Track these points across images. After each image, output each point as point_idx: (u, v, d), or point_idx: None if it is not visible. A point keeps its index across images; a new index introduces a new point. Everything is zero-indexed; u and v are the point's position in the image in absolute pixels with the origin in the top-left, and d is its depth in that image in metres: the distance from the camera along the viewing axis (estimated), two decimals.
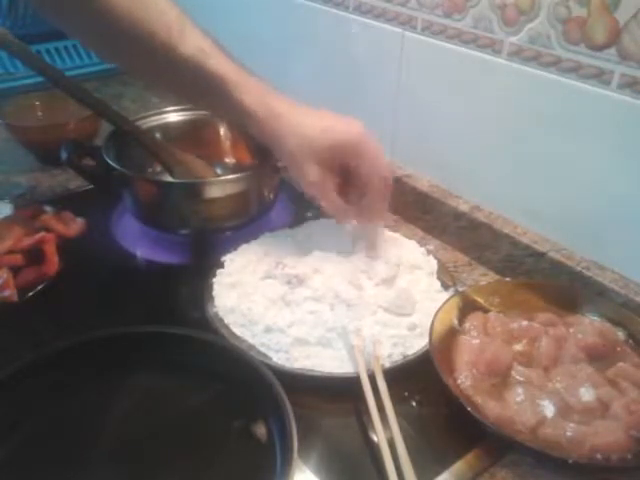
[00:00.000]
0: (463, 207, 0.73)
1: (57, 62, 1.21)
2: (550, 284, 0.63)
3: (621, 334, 0.57)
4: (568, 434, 0.47)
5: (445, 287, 0.65)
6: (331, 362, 0.55)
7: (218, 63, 0.60)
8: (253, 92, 0.60)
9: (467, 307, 0.60)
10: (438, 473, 0.47)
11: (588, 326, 0.56)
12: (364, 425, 0.51)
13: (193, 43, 0.59)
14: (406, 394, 0.54)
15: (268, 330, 0.58)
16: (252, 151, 0.83)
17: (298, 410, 0.47)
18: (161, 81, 0.67)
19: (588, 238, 0.63)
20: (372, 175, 0.61)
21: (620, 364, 0.53)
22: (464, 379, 0.52)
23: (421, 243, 0.71)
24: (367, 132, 0.60)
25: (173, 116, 0.83)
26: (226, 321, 0.59)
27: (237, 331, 0.58)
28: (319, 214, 0.71)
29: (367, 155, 0.60)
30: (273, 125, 0.60)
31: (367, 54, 0.81)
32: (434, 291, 0.64)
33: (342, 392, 0.54)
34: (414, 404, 0.54)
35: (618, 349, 0.55)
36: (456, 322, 0.58)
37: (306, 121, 0.60)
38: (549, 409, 0.49)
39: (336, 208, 0.64)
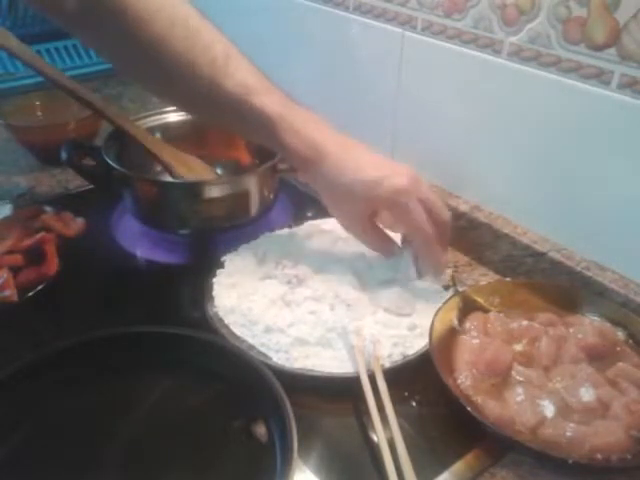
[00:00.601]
0: (463, 207, 0.73)
1: (57, 62, 1.20)
2: (550, 284, 0.63)
3: (621, 334, 0.57)
4: (568, 434, 0.47)
5: (445, 287, 0.65)
6: (331, 362, 0.55)
7: (262, 101, 0.57)
8: (299, 131, 0.58)
9: (467, 307, 0.59)
10: (438, 473, 0.47)
11: (588, 326, 0.56)
12: (364, 425, 0.51)
13: (238, 78, 0.57)
14: (406, 394, 0.54)
15: (268, 330, 0.58)
16: (252, 151, 0.83)
17: (298, 410, 0.47)
18: (205, 115, 0.66)
19: (588, 238, 0.63)
20: (415, 237, 0.59)
21: (620, 364, 0.53)
22: (464, 379, 0.52)
23: None
24: (411, 188, 0.57)
25: (173, 116, 0.83)
26: (226, 321, 0.59)
27: (237, 331, 0.58)
28: (319, 214, 0.72)
29: (408, 217, 0.57)
30: (319, 169, 0.58)
31: (367, 54, 0.81)
32: (434, 291, 0.64)
33: (342, 392, 0.54)
34: (414, 404, 0.54)
35: (618, 349, 0.55)
36: (456, 322, 0.58)
37: (349, 169, 0.57)
38: (549, 409, 0.49)
39: (384, 251, 0.64)
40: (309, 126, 0.58)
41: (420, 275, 0.62)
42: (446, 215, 0.60)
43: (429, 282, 0.63)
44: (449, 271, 0.64)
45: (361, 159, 0.58)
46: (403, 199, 0.56)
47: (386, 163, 0.59)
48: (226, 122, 0.64)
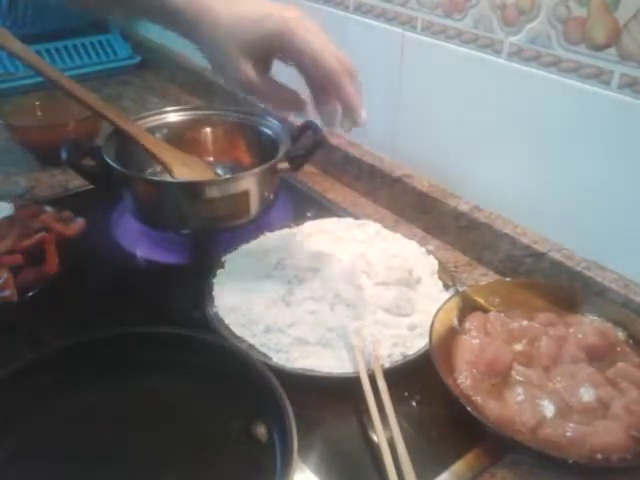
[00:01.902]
0: (463, 207, 0.73)
1: (57, 62, 1.21)
2: (550, 284, 0.63)
3: (621, 334, 0.57)
4: (568, 434, 0.47)
5: (445, 287, 0.65)
6: (331, 362, 0.55)
7: None
8: None
9: (467, 307, 0.59)
10: (438, 473, 0.47)
11: (588, 326, 0.56)
12: (364, 425, 0.51)
13: None
14: (406, 394, 0.54)
15: (268, 330, 0.58)
16: (252, 151, 0.83)
17: (298, 410, 0.47)
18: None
19: (588, 238, 0.63)
20: (321, 70, 0.50)
21: (620, 364, 0.53)
22: (464, 379, 0.52)
23: (421, 243, 0.71)
24: (298, 18, 0.50)
25: (173, 116, 0.83)
26: (226, 321, 0.59)
27: (237, 331, 0.58)
28: (319, 214, 0.72)
29: (305, 47, 0.49)
30: (200, 20, 0.52)
31: (367, 54, 0.81)
32: (434, 291, 0.64)
33: (342, 392, 0.54)
34: (414, 404, 0.54)
35: (618, 349, 0.55)
36: (456, 322, 0.58)
37: (233, 13, 0.51)
38: (549, 409, 0.49)
39: (286, 104, 0.55)
40: None
41: (330, 124, 0.54)
42: (348, 59, 0.52)
43: (341, 130, 0.54)
44: (364, 115, 0.53)
45: (247, 2, 0.52)
46: (296, 28, 0.49)
47: (274, 4, 0.51)
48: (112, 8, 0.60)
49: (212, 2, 0.52)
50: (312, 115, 0.54)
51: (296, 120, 0.82)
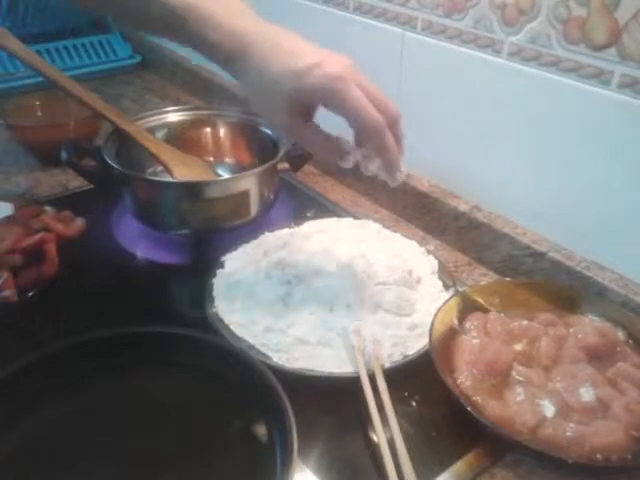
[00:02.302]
0: (463, 207, 0.73)
1: (57, 62, 1.21)
2: (550, 284, 0.63)
3: (621, 334, 0.57)
4: (568, 434, 0.47)
5: (445, 287, 0.65)
6: (331, 362, 0.55)
7: None
8: (214, 19, 0.51)
9: (467, 307, 0.59)
10: (438, 473, 0.48)
11: (588, 326, 0.56)
12: (364, 425, 0.51)
13: None
14: (406, 394, 0.54)
15: (268, 330, 0.58)
16: (252, 151, 0.83)
17: (298, 410, 0.47)
18: (109, 12, 0.60)
19: (588, 238, 0.63)
20: (362, 127, 0.50)
21: (620, 364, 0.53)
22: (464, 379, 0.52)
23: (421, 243, 0.71)
24: (346, 74, 0.49)
25: (173, 116, 0.83)
26: (226, 321, 0.59)
27: (237, 331, 0.58)
28: (319, 214, 0.71)
29: (347, 105, 0.49)
30: (243, 63, 0.51)
31: (367, 54, 0.81)
32: (434, 291, 0.64)
33: (342, 392, 0.54)
34: (414, 404, 0.54)
35: (618, 349, 0.55)
36: (456, 322, 0.58)
37: (276, 60, 0.50)
38: (549, 409, 0.49)
39: (324, 152, 0.54)
40: (227, 13, 0.52)
41: (369, 171, 0.55)
42: (393, 106, 0.52)
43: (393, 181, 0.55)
44: (404, 171, 0.55)
45: (290, 49, 0.51)
46: (338, 86, 0.48)
47: (318, 51, 0.51)
48: (133, 20, 0.58)
49: (255, 41, 0.51)
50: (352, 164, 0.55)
51: None
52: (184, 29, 0.51)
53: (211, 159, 0.84)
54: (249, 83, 0.52)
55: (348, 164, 0.54)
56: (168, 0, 0.51)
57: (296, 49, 0.50)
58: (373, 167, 0.54)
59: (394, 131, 0.52)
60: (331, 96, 0.49)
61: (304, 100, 0.50)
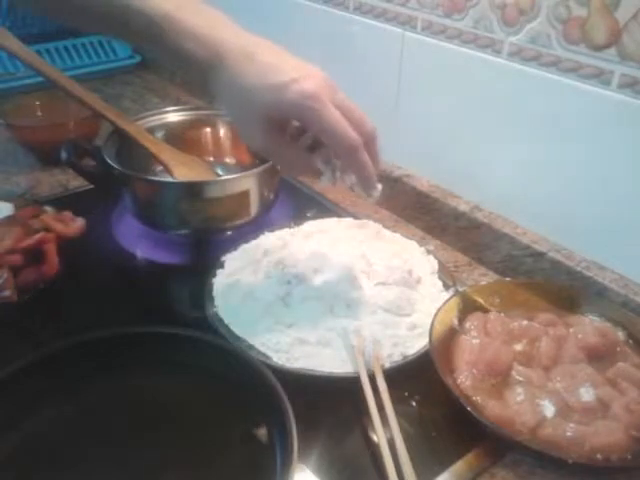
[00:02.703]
0: (463, 207, 0.73)
1: (57, 62, 1.21)
2: (550, 284, 0.63)
3: (621, 334, 0.57)
4: (568, 434, 0.47)
5: (445, 287, 0.65)
6: (331, 362, 0.55)
7: (141, 2, 0.50)
8: (190, 30, 0.50)
9: (467, 307, 0.59)
10: (438, 473, 0.47)
11: (588, 326, 0.56)
12: (364, 425, 0.51)
13: None
14: (406, 394, 0.54)
15: (268, 330, 0.58)
16: (252, 151, 0.83)
17: (298, 410, 0.47)
18: (86, 24, 0.58)
19: (588, 238, 0.63)
20: (336, 146, 0.49)
21: (620, 364, 0.53)
22: (464, 379, 0.52)
23: (421, 243, 0.71)
24: (322, 92, 0.48)
25: (173, 116, 0.83)
26: (226, 321, 0.59)
27: (237, 331, 0.58)
28: (319, 214, 0.71)
29: (322, 124, 0.48)
30: (217, 74, 0.50)
31: (367, 54, 0.81)
32: (434, 291, 0.64)
33: (342, 392, 0.54)
34: (414, 404, 0.54)
35: (618, 349, 0.55)
36: (456, 322, 0.58)
37: (251, 72, 0.49)
38: (549, 409, 0.49)
39: (299, 170, 0.54)
40: (204, 23, 0.50)
41: (346, 184, 0.55)
42: (369, 124, 0.51)
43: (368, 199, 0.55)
44: (379, 188, 0.54)
45: (266, 61, 0.49)
46: (313, 104, 0.47)
47: (295, 66, 0.49)
48: (111, 30, 0.56)
49: (231, 51, 0.49)
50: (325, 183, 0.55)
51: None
52: (162, 39, 0.50)
53: (211, 159, 0.84)
54: (224, 95, 0.51)
55: (322, 184, 0.55)
56: (146, 10, 0.50)
57: (273, 61, 0.49)
58: (349, 181, 0.54)
59: (370, 148, 0.51)
60: (306, 114, 0.48)
61: (278, 116, 0.50)
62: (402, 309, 0.60)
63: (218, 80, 0.50)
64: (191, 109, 0.85)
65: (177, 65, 0.53)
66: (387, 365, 0.54)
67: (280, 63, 0.49)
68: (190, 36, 0.50)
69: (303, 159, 0.53)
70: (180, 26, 0.50)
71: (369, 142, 0.51)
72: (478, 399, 0.50)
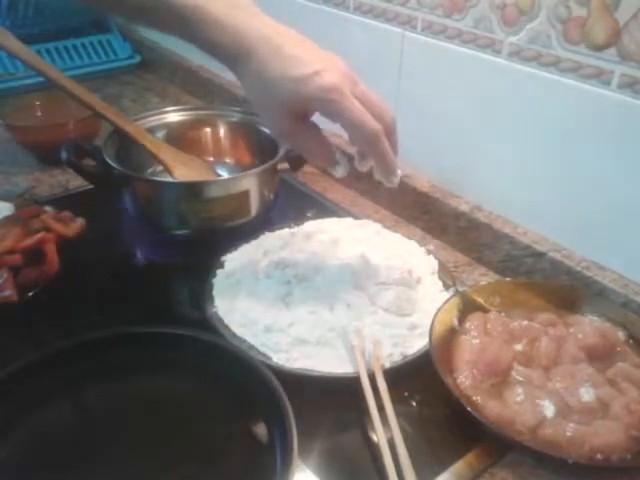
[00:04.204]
0: (463, 207, 0.73)
1: (57, 62, 1.21)
2: (550, 284, 0.63)
3: (621, 334, 0.57)
4: (568, 434, 0.47)
5: (445, 287, 0.65)
6: (331, 362, 0.55)
7: None
8: (218, 20, 0.51)
9: (467, 307, 0.59)
10: (438, 473, 0.47)
11: (588, 326, 0.56)
12: (364, 425, 0.51)
13: None
14: (406, 394, 0.54)
15: (268, 330, 0.58)
16: (252, 151, 0.83)
17: (298, 410, 0.47)
18: (115, 11, 0.61)
19: (588, 238, 0.63)
20: (358, 136, 0.51)
21: (620, 364, 0.53)
22: (464, 379, 0.52)
23: (421, 243, 0.71)
24: (343, 84, 0.50)
25: (173, 116, 0.83)
26: (226, 321, 0.59)
27: (237, 331, 0.58)
28: (319, 214, 0.71)
29: (344, 115, 0.50)
30: (243, 65, 0.52)
31: (367, 54, 0.81)
32: (434, 291, 0.64)
33: (342, 392, 0.54)
34: (414, 404, 0.54)
35: (618, 349, 0.55)
36: (456, 322, 0.58)
37: (276, 64, 0.50)
38: (549, 409, 0.49)
39: (318, 158, 0.55)
40: (231, 13, 0.52)
41: (363, 169, 0.56)
42: (389, 114, 0.53)
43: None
44: (399, 174, 0.55)
45: (290, 54, 0.51)
46: (334, 97, 0.49)
47: (318, 58, 0.51)
48: (138, 18, 0.58)
49: (257, 43, 0.51)
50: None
51: None
52: (189, 28, 0.52)
53: (211, 159, 0.84)
54: (249, 84, 0.53)
55: (338, 174, 0.56)
56: (177, 2, 0.51)
57: (297, 54, 0.51)
58: (366, 167, 0.56)
59: (390, 137, 0.53)
60: (327, 106, 0.50)
61: (300, 107, 0.51)
62: (402, 309, 0.60)
63: (244, 70, 0.52)
64: (191, 109, 0.85)
65: (203, 51, 0.54)
66: (387, 365, 0.54)
67: (304, 55, 0.51)
68: (219, 27, 0.51)
69: (323, 147, 0.55)
70: (210, 18, 0.51)
71: (389, 131, 0.52)
72: (478, 399, 0.50)
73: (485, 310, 0.60)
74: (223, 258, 0.68)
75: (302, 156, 0.63)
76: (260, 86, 0.52)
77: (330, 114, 0.51)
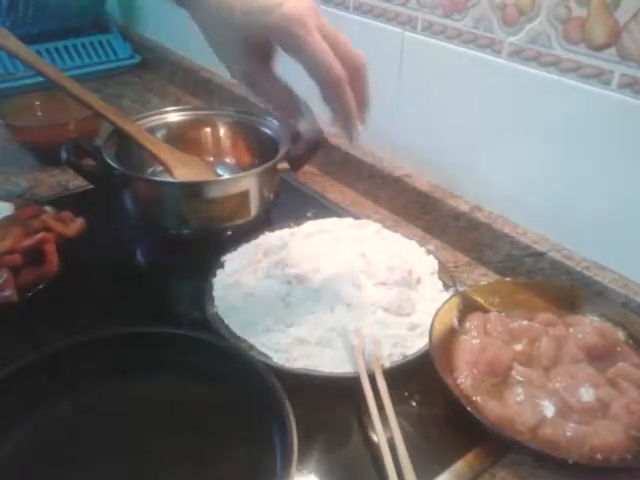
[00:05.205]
0: (463, 207, 0.73)
1: (57, 62, 1.21)
2: (550, 284, 0.63)
3: (621, 334, 0.57)
4: (568, 434, 0.47)
5: (445, 287, 0.65)
6: (331, 362, 0.55)
7: None
8: None
9: (467, 307, 0.59)
10: (438, 473, 0.47)
11: (588, 326, 0.56)
12: (364, 425, 0.51)
13: None
14: (406, 394, 0.54)
15: (268, 330, 0.58)
16: (252, 151, 0.83)
17: (298, 410, 0.47)
18: None
19: (588, 238, 0.63)
20: (318, 77, 0.47)
21: (620, 364, 0.53)
22: (464, 379, 0.52)
23: (421, 243, 0.71)
24: (308, 18, 0.46)
25: (173, 116, 0.83)
26: (226, 321, 0.59)
27: (237, 331, 0.58)
28: (319, 214, 0.71)
29: (306, 51, 0.46)
30: (198, 6, 0.49)
31: (367, 54, 0.80)
32: (434, 291, 0.64)
33: (342, 392, 0.54)
34: (414, 404, 0.54)
35: (618, 349, 0.55)
36: (456, 322, 0.58)
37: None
38: (549, 409, 0.49)
39: (281, 107, 0.51)
40: None
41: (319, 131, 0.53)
42: (360, 59, 0.49)
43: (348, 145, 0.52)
44: (360, 129, 0.51)
45: None
46: (297, 30, 0.45)
47: None
48: None
49: None
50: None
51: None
52: None
53: (211, 159, 0.84)
54: (206, 17, 0.50)
55: (301, 127, 0.53)
56: None
57: None
58: (329, 120, 0.51)
59: (357, 83, 0.49)
60: (289, 40, 0.46)
61: (259, 41, 0.48)
62: (402, 309, 0.60)
63: (201, 2, 0.49)
64: (191, 109, 0.85)
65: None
66: (387, 365, 0.54)
67: None
68: None
69: (286, 93, 0.51)
70: None
71: (355, 76, 0.49)
72: (478, 399, 0.50)
73: (485, 310, 0.60)
74: (223, 258, 0.68)
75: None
76: (218, 19, 0.48)
77: (292, 49, 0.47)
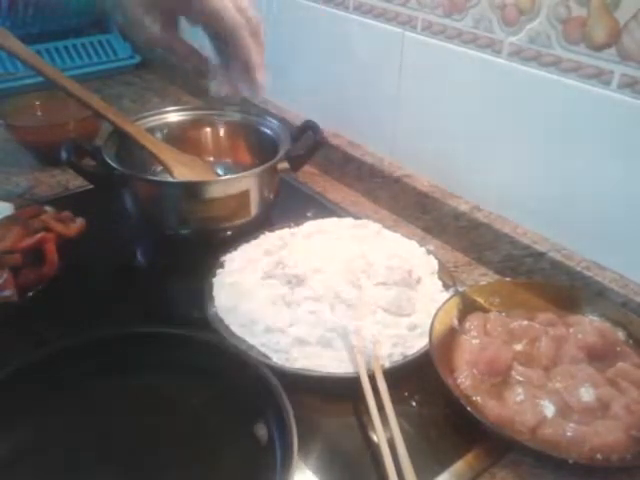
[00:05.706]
0: (463, 207, 0.73)
1: (57, 62, 1.21)
2: (550, 284, 0.63)
3: (621, 334, 0.57)
4: (568, 434, 0.47)
5: (445, 287, 0.65)
6: (331, 362, 0.55)
7: None
8: None
9: (467, 307, 0.59)
10: (438, 473, 0.47)
11: (588, 326, 0.56)
12: (364, 425, 0.51)
13: None
14: (406, 394, 0.54)
15: (268, 330, 0.58)
16: (252, 151, 0.83)
17: (298, 410, 0.47)
18: None
19: (588, 238, 0.63)
20: (220, 27, 0.49)
21: (620, 364, 0.53)
22: (464, 379, 0.52)
23: (421, 243, 0.71)
24: None
25: (173, 116, 0.83)
26: (226, 321, 0.59)
27: (237, 331, 0.58)
28: (319, 214, 0.71)
29: (206, 6, 0.48)
30: None
31: (367, 54, 0.81)
32: (434, 291, 0.64)
33: (342, 392, 0.54)
34: (414, 404, 0.54)
35: (618, 349, 0.55)
36: (456, 322, 0.58)
37: None
38: (549, 409, 0.49)
39: (189, 60, 0.55)
40: None
41: (224, 90, 0.54)
42: (256, 19, 0.52)
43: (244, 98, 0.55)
44: (263, 84, 0.53)
45: None
46: None
47: None
48: None
49: None
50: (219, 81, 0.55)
51: (296, 120, 0.82)
52: None
53: (211, 159, 0.84)
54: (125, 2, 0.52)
55: (212, 90, 0.54)
56: None
57: None
58: (236, 80, 0.54)
59: (255, 37, 0.51)
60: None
61: (168, 5, 0.50)
62: (402, 309, 0.60)
63: None
64: (191, 109, 0.85)
65: None
66: (387, 365, 0.54)
67: None
68: None
69: (193, 50, 0.55)
70: None
71: (252, 32, 0.52)
72: (478, 399, 0.50)
73: (485, 310, 0.60)
74: (223, 258, 0.68)
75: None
76: None
77: (192, 8, 0.49)
